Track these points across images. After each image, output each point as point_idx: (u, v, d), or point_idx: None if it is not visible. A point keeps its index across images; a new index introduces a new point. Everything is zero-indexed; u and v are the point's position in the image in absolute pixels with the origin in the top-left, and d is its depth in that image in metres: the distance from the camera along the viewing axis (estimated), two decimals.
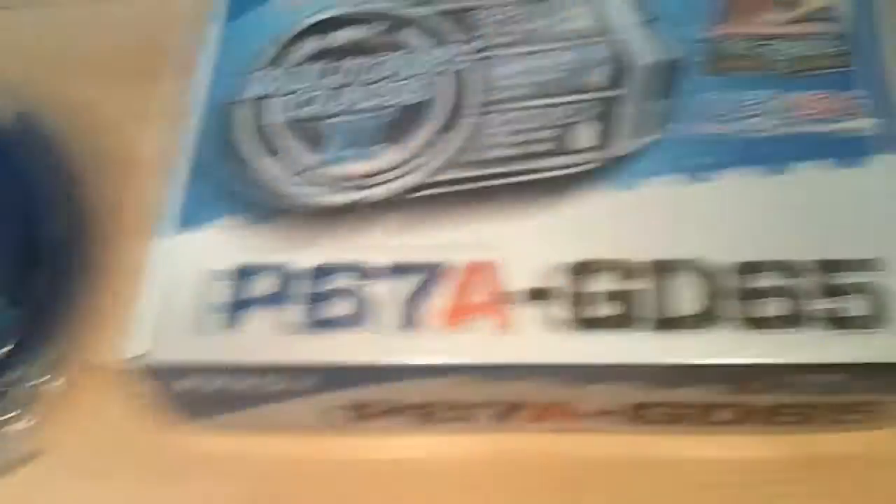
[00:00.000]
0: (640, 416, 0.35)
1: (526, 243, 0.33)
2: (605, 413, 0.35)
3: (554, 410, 0.35)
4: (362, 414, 0.35)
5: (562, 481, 0.36)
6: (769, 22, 0.37)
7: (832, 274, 0.32)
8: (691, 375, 0.32)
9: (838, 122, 0.35)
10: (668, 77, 0.36)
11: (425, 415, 0.35)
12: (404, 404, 0.34)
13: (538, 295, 0.32)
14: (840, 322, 0.31)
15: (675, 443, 0.36)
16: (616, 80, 0.36)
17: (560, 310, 0.32)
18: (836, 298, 0.32)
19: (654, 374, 0.32)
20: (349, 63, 0.36)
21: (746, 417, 0.35)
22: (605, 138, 0.35)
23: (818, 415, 0.35)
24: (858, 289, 0.32)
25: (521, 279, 0.32)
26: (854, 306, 0.31)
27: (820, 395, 0.33)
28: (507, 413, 0.35)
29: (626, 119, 0.35)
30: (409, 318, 0.32)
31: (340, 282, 0.33)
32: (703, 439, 0.36)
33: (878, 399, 0.34)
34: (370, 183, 0.34)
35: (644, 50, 0.36)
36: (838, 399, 0.33)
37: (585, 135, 0.35)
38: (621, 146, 0.35)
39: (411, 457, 0.36)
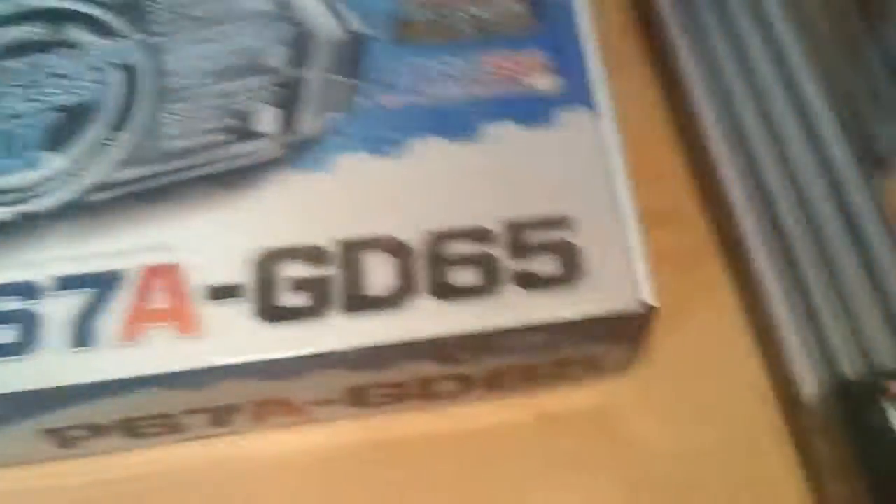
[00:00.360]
0: (362, 399, 0.34)
1: (212, 239, 0.31)
2: (325, 402, 0.34)
3: (273, 407, 0.33)
4: (65, 439, 0.32)
5: (299, 477, 0.35)
6: None
7: (524, 235, 0.32)
8: (394, 354, 0.31)
9: (526, 82, 0.34)
10: (354, 50, 0.34)
11: (133, 430, 0.33)
12: (105, 424, 0.32)
13: (226, 292, 0.31)
14: (535, 282, 0.31)
15: (408, 421, 0.36)
16: (300, 58, 0.34)
17: (250, 304, 0.30)
18: (530, 259, 0.31)
19: (356, 359, 0.31)
20: (8, 65, 0.33)
21: (471, 386, 0.34)
22: (292, 120, 0.33)
23: (541, 374, 0.35)
24: (550, 248, 0.31)
25: (207, 277, 0.31)
26: (547, 266, 0.31)
27: (533, 356, 0.33)
28: (224, 416, 0.33)
29: (313, 98, 0.34)
30: (86, 335, 0.30)
31: (7, 304, 0.30)
32: (437, 414, 0.36)
33: (590, 353, 0.34)
34: (36, 193, 0.32)
35: (328, 24, 0.35)
36: (553, 357, 0.33)
37: (270, 118, 0.33)
38: (309, 127, 0.33)
39: (133, 474, 0.34)
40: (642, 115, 0.41)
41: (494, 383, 0.34)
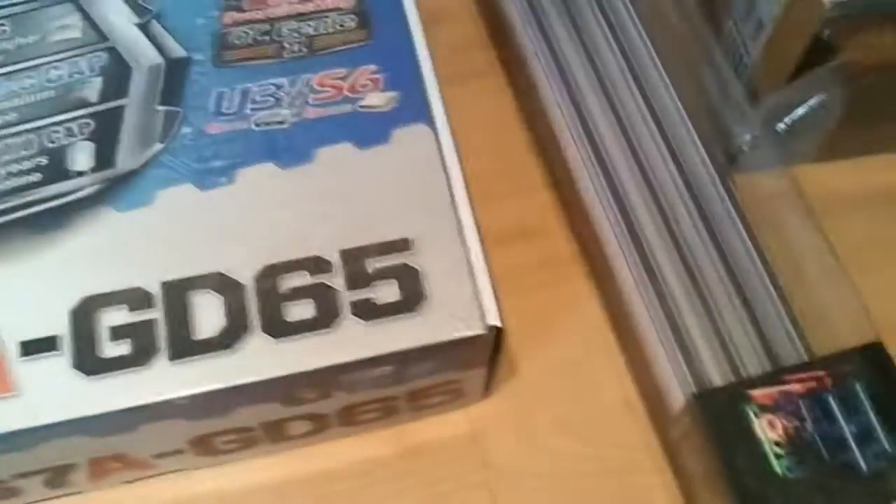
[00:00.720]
0: (210, 448, 0.32)
1: (24, 289, 0.29)
2: (170, 453, 0.31)
3: (112, 464, 0.31)
4: None
5: None
6: (281, 2, 0.34)
7: (362, 262, 0.30)
8: (231, 399, 0.29)
9: (358, 100, 0.32)
10: (175, 77, 0.32)
11: None
12: None
13: (42, 346, 0.28)
14: (375, 312, 0.29)
15: (264, 465, 0.34)
16: (114, 90, 0.32)
17: (68, 357, 0.28)
18: (369, 288, 0.30)
19: (189, 407, 0.29)
20: None
21: (326, 424, 0.33)
22: (110, 155, 0.31)
23: (399, 406, 0.33)
24: (390, 274, 0.30)
25: (21, 331, 0.28)
26: (387, 293, 0.30)
27: (385, 388, 0.31)
28: (61, 477, 0.31)
29: (130, 130, 0.32)
30: None
31: None
32: (294, 455, 0.34)
33: (445, 379, 0.32)
34: None
35: (143, 52, 0.33)
36: (407, 387, 0.32)
37: (86, 154, 0.31)
38: (128, 161, 0.31)
39: None
40: (499, 128, 0.40)
41: (351, 419, 0.33)
